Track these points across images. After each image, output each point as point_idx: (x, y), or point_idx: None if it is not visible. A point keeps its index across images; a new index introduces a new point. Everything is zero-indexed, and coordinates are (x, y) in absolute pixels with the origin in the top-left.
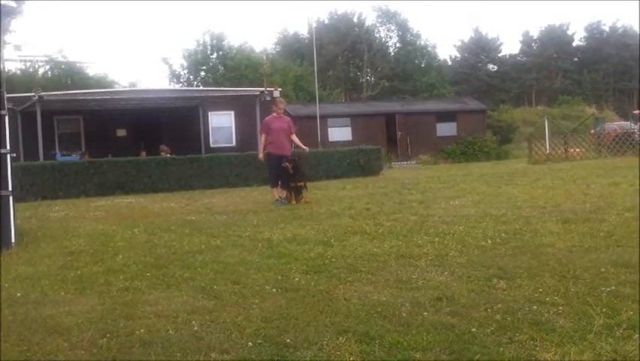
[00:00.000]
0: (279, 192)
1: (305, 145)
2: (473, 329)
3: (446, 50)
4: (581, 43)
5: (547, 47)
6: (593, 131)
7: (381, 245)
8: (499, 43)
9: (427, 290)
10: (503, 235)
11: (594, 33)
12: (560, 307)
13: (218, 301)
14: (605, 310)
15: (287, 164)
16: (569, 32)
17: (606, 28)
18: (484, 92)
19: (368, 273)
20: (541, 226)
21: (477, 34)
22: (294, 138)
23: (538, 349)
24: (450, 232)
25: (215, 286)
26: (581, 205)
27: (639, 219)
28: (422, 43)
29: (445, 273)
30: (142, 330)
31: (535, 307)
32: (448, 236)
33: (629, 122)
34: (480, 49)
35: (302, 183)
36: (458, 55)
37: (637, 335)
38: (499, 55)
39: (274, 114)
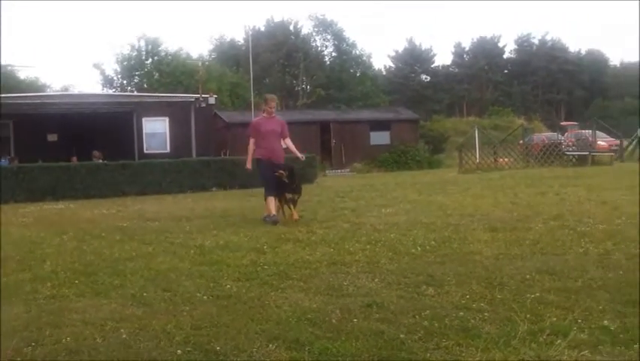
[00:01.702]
0: (274, 206)
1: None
2: (401, 335)
3: (381, 60)
4: (511, 56)
5: (479, 59)
6: (521, 141)
7: (314, 252)
8: (432, 54)
9: (358, 297)
10: (433, 242)
11: (524, 46)
12: (486, 314)
13: (148, 308)
14: (529, 316)
15: (281, 172)
16: (500, 45)
17: (535, 41)
18: (418, 102)
19: (300, 280)
20: (470, 234)
21: (411, 45)
22: (289, 142)
23: (463, 355)
24: (381, 239)
25: (145, 294)
26: (508, 214)
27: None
28: (357, 52)
29: (376, 280)
30: (68, 338)
31: (461, 313)
32: (380, 243)
33: (556, 133)
34: (414, 59)
35: (297, 196)
36: (392, 65)
37: (559, 341)
38: (432, 66)
39: (264, 115)
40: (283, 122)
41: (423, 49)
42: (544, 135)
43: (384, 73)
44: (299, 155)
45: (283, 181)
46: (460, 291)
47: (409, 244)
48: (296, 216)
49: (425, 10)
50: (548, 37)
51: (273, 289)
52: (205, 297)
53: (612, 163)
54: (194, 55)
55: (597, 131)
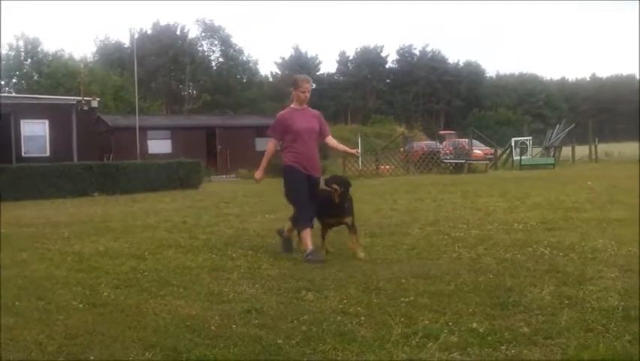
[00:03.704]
0: (310, 237)
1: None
2: (279, 341)
3: (267, 67)
4: (394, 66)
5: (362, 68)
6: (402, 149)
7: (196, 258)
8: (317, 62)
9: (238, 303)
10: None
11: (405, 56)
12: (362, 318)
13: (20, 318)
14: (403, 319)
15: (335, 186)
16: (383, 54)
17: (417, 52)
18: None
19: (180, 287)
20: (350, 240)
21: (297, 53)
22: (333, 141)
23: (339, 358)
24: (264, 245)
25: (17, 303)
26: (387, 220)
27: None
28: (244, 58)
29: (257, 286)
30: None
31: (339, 317)
32: (262, 249)
33: (435, 142)
34: (300, 66)
35: (351, 221)
36: (279, 71)
37: (431, 343)
38: (318, 73)
39: (293, 105)
40: (321, 116)
41: (309, 56)
42: (423, 143)
43: (270, 79)
44: (352, 151)
45: (330, 201)
46: (338, 296)
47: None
48: (362, 253)
49: (311, 19)
50: (429, 49)
51: (152, 296)
52: (81, 305)
53: (487, 171)
54: (77, 56)
55: (473, 140)
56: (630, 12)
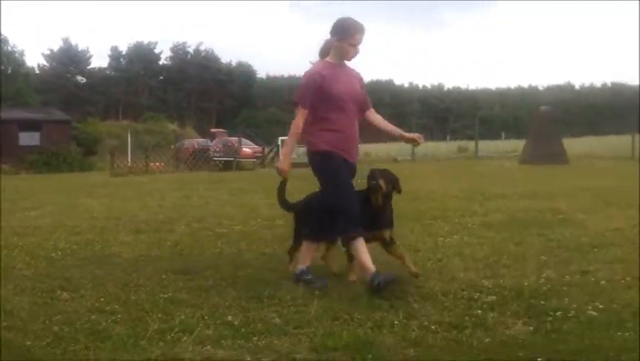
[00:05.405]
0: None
1: None
2: (28, 343)
3: (35, 58)
4: (167, 63)
5: (135, 64)
6: (173, 146)
7: None
8: (88, 55)
9: None
10: (74, 246)
11: (179, 54)
12: (119, 315)
13: None
14: (160, 315)
15: (381, 182)
16: (156, 51)
17: (190, 50)
18: (72, 103)
19: None
20: (113, 237)
21: (67, 45)
22: (378, 118)
23: (91, 358)
24: (20, 243)
25: None
26: (154, 216)
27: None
28: (9, 48)
29: (9, 286)
30: None
31: (94, 316)
32: (18, 248)
33: (206, 140)
34: (69, 59)
35: (389, 235)
36: (47, 64)
37: (186, 338)
38: (89, 67)
39: (329, 59)
40: (362, 79)
41: (79, 49)
42: (194, 141)
43: (37, 71)
44: (409, 135)
45: (367, 205)
46: (95, 294)
47: (50, 248)
48: (413, 268)
49: (82, 11)
50: (202, 48)
51: None
52: None
53: (254, 169)
54: None
55: (243, 139)
56: (378, 21)
